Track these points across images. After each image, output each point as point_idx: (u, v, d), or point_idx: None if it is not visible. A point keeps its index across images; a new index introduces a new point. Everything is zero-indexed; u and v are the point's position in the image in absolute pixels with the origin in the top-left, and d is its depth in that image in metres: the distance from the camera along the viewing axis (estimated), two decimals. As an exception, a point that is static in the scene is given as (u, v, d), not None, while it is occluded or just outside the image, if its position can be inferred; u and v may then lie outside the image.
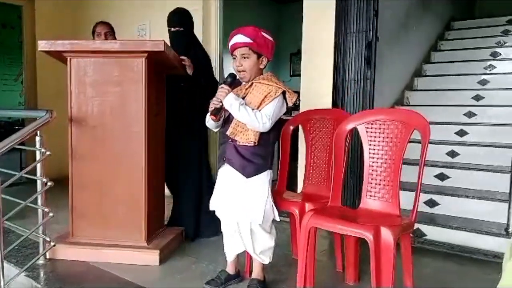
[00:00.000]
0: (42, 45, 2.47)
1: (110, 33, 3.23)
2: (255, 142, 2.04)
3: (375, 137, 2.09)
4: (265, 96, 2.03)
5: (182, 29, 2.92)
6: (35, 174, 2.41)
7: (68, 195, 2.56)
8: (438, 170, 3.33)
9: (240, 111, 2.00)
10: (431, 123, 1.98)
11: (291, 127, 2.61)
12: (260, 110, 2.02)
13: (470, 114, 3.88)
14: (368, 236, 1.76)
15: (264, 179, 2.09)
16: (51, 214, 2.41)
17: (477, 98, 4.05)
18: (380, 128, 2.08)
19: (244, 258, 2.33)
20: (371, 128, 2.11)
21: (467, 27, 5.37)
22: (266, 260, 2.16)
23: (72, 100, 2.52)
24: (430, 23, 5.09)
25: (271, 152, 2.17)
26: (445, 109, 4.01)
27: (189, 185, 2.97)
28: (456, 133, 3.72)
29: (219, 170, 2.20)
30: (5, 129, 5.02)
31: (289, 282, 2.20)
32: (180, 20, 2.93)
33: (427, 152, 1.94)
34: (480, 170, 3.22)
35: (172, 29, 2.92)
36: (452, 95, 4.17)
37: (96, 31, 3.22)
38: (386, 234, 1.78)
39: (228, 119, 2.13)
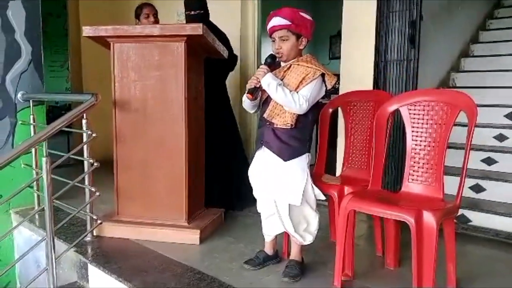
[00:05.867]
0: (87, 31, 2.54)
1: (156, 14, 3.28)
2: (292, 125, 2.03)
3: (418, 119, 2.03)
4: (303, 78, 2.01)
5: (202, 11, 2.96)
6: (82, 156, 2.52)
7: (113, 176, 2.66)
8: (485, 154, 3.19)
9: (278, 92, 1.98)
10: (478, 105, 1.88)
11: (330, 110, 2.57)
12: (297, 92, 2.01)
13: (521, 96, 3.68)
14: (410, 220, 1.73)
15: (302, 162, 2.08)
16: (97, 194, 2.52)
17: (529, 79, 3.83)
18: (424, 110, 2.01)
19: (282, 239, 2.35)
20: (415, 110, 2.04)
21: (519, 3, 5.05)
22: (309, 238, 2.15)
23: (115, 84, 2.59)
24: (478, 1, 4.82)
25: (309, 136, 2.15)
26: (494, 91, 3.80)
27: (222, 159, 3.12)
28: (506, 115, 3.53)
29: (256, 152, 2.21)
30: (53, 114, 5.23)
31: (328, 265, 2.20)
32: (199, 3, 2.99)
33: (474, 135, 1.86)
34: (530, 155, 3.06)
35: (192, 13, 2.98)
36: (502, 76, 3.95)
37: (143, 13, 3.22)
38: (429, 218, 1.73)
39: (266, 102, 2.12)
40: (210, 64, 2.91)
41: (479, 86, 3.96)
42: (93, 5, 4.94)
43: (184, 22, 4.40)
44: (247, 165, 2.28)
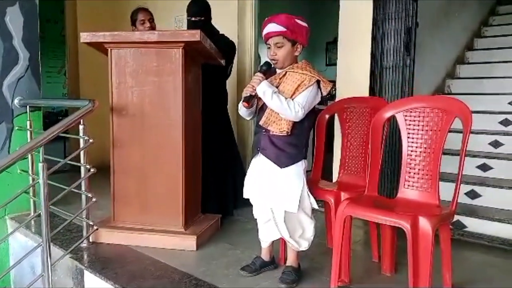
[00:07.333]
0: (84, 37, 2.55)
1: (152, 19, 3.27)
2: (288, 132, 2.04)
3: (414, 125, 2.04)
4: (299, 85, 2.02)
5: (202, 18, 2.98)
6: (78, 161, 2.52)
7: (109, 182, 2.65)
8: (480, 161, 3.20)
9: (273, 99, 1.99)
10: (473, 112, 1.91)
11: (327, 116, 2.59)
12: (293, 99, 2.02)
13: (515, 103, 3.71)
14: (406, 226, 1.73)
15: (298, 168, 2.09)
16: (94, 199, 2.52)
17: (524, 86, 3.86)
18: (419, 116, 2.03)
19: (279, 245, 2.35)
20: (410, 116, 2.05)
21: (513, 11, 5.10)
22: (304, 244, 2.15)
23: (113, 90, 2.59)
24: (473, 8, 4.88)
25: (305, 142, 2.15)
26: (489, 98, 3.84)
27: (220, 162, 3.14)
28: (500, 122, 3.56)
29: (252, 159, 2.21)
30: (49, 120, 5.24)
31: (324, 271, 2.20)
32: (200, 9, 3.01)
33: (469, 141, 1.88)
34: (526, 161, 3.08)
35: (193, 19, 2.99)
36: (497, 83, 3.99)
37: (139, 19, 3.20)
38: (424, 224, 1.74)
39: (262, 109, 2.13)
40: (207, 69, 2.92)
41: (474, 92, 4.00)
42: (90, 12, 4.96)
43: (182, 27, 4.45)
44: (242, 169, 2.29)
